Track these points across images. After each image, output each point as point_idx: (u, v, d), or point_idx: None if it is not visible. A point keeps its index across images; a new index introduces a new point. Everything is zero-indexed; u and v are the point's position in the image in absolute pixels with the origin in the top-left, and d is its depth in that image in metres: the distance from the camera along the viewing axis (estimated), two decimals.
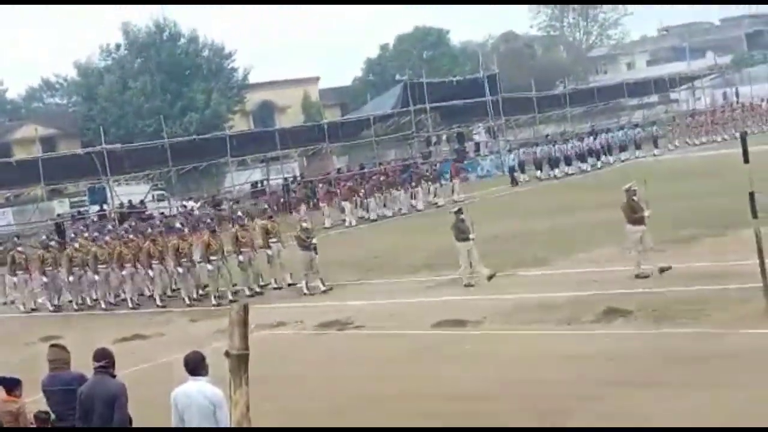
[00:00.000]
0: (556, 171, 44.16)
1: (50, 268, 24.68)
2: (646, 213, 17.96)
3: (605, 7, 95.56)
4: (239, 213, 26.79)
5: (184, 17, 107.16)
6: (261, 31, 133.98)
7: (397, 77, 59.70)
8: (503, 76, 57.99)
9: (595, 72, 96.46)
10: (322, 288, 21.18)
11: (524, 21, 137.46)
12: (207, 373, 8.11)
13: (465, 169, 48.19)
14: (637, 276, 17.47)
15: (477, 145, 58.08)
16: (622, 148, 48.00)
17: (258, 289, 22.35)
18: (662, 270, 17.31)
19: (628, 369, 12.23)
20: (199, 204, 44.70)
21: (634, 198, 18.25)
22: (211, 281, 22.22)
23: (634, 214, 18.00)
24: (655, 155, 47.49)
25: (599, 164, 45.36)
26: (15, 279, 25.69)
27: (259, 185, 51.32)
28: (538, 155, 45.78)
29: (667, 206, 21.95)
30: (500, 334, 15.22)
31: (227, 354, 5.54)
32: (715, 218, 22.18)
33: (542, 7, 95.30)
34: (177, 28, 60.40)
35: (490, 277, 19.21)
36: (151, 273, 23.03)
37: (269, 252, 22.91)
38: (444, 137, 59.80)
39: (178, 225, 27.72)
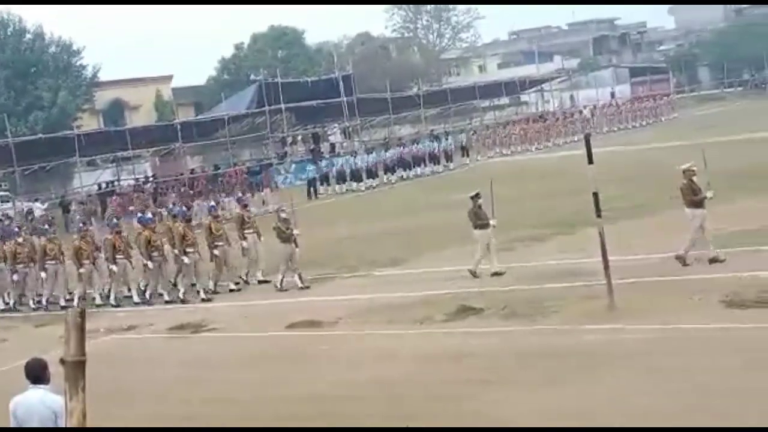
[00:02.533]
0: (357, 184, 41.58)
1: None
2: (709, 194, 16.48)
3: (458, 9, 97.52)
4: (212, 203, 24.10)
5: (29, 13, 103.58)
6: (112, 29, 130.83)
7: (252, 77, 59.28)
8: (358, 77, 58.29)
9: (448, 74, 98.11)
10: (300, 285, 19.49)
11: (379, 22, 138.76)
12: (49, 380, 7.81)
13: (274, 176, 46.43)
14: (712, 260, 16.10)
15: (332, 146, 58.20)
16: (432, 159, 45.34)
17: (234, 287, 20.56)
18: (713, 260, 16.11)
19: (481, 367, 12.42)
20: (45, 205, 43.23)
21: (694, 179, 16.60)
22: (187, 276, 20.47)
23: (694, 197, 16.47)
24: (467, 164, 46.27)
25: (410, 175, 43.42)
26: None
27: (110, 186, 49.99)
28: (337, 167, 43.10)
29: (514, 206, 22.47)
30: (355, 335, 15.25)
31: (62, 361, 5.31)
32: (562, 217, 22.87)
33: (396, 9, 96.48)
34: (22, 24, 58.33)
35: (495, 274, 17.77)
36: (114, 268, 20.75)
37: (244, 244, 21.22)
38: (299, 138, 59.69)
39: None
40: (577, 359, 12.09)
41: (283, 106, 50.05)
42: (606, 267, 14.33)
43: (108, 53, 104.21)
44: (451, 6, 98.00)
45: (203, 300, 19.83)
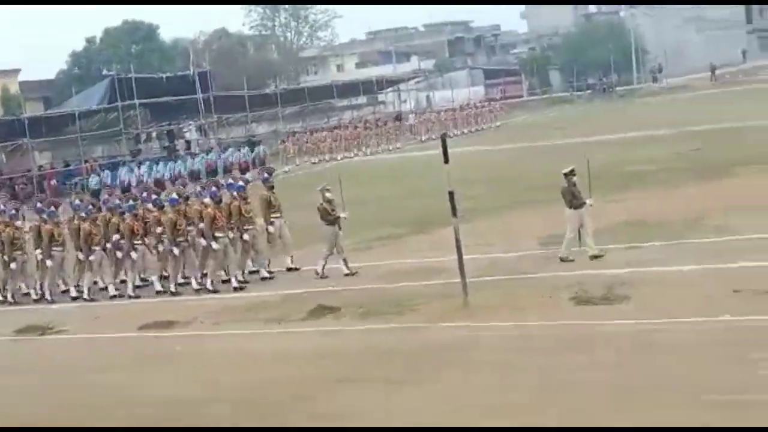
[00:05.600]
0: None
1: None
2: None
3: (316, 8, 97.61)
4: (240, 183, 20.72)
5: None
6: None
7: (105, 72, 57.80)
8: (215, 73, 57.57)
9: (306, 72, 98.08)
10: (345, 271, 17.93)
11: (236, 19, 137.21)
12: None
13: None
14: None
15: (188, 143, 57.31)
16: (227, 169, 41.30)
17: (267, 274, 18.83)
18: None
19: (337, 366, 12.44)
20: None
21: None
22: (216, 263, 18.57)
23: None
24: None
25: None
26: None
27: None
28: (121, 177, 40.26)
29: (370, 206, 22.59)
30: (211, 335, 15.07)
31: None
32: (415, 217, 23.16)
33: (254, 6, 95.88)
34: None
35: (595, 257, 16.45)
36: (134, 255, 18.84)
37: (270, 229, 19.34)
38: (154, 134, 58.52)
39: None
40: (433, 357, 12.26)
41: (137, 101, 48.92)
42: (461, 265, 14.57)
43: None
44: (308, 4, 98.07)
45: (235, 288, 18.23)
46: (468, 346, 12.56)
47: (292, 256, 19.54)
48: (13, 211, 21.71)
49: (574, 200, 16.68)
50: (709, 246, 16.47)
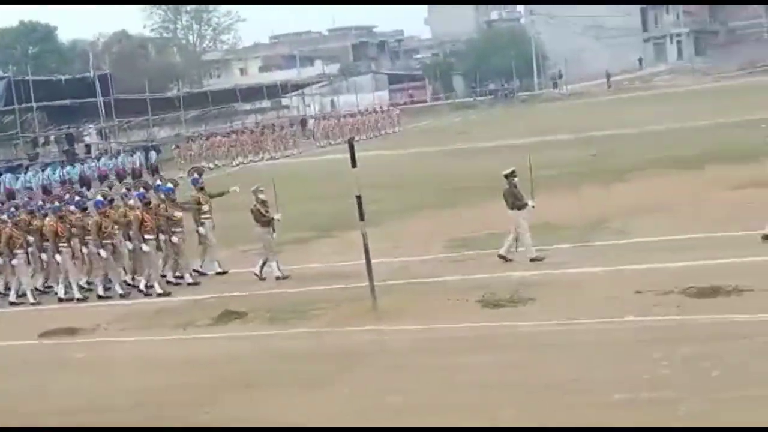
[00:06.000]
0: None
1: None
2: None
3: (219, 11, 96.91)
4: (169, 184, 19.80)
5: None
6: None
7: (0, 73, 56.29)
8: (116, 76, 56.63)
9: (209, 76, 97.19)
10: (277, 273, 17.69)
11: (137, 21, 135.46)
12: None
13: None
14: None
15: (88, 147, 56.20)
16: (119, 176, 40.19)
17: (188, 280, 18.27)
18: None
19: (244, 371, 12.32)
20: None
21: None
22: (147, 266, 17.98)
23: None
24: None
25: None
26: None
27: None
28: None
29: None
30: (115, 342, 14.78)
31: None
32: (321, 221, 23.13)
33: (156, 8, 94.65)
34: None
35: (502, 257, 16.51)
36: (58, 258, 18.25)
37: (201, 230, 19.02)
38: (52, 138, 57.24)
39: None
40: (340, 361, 12.23)
41: (34, 104, 47.84)
42: (369, 269, 14.58)
43: None
44: (211, 7, 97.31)
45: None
46: (376, 350, 12.60)
47: (203, 261, 19.18)
48: None
49: (516, 201, 16.76)
50: (612, 248, 16.86)
